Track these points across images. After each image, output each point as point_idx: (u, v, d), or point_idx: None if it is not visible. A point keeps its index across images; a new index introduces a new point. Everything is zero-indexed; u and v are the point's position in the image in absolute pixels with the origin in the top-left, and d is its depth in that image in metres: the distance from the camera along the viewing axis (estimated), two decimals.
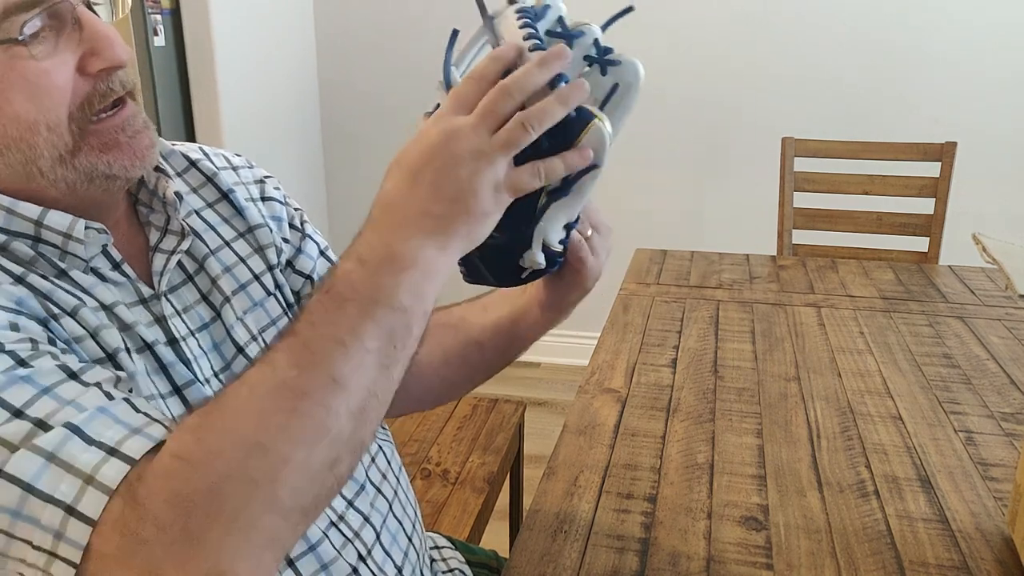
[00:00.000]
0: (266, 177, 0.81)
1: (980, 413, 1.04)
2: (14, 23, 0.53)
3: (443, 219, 0.53)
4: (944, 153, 1.94)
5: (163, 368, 0.61)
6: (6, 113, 0.55)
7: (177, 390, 0.61)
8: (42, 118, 0.55)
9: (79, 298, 0.57)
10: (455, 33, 0.61)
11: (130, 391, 0.54)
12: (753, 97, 2.55)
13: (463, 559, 0.95)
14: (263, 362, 0.50)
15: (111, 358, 0.57)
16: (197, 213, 0.71)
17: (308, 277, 0.80)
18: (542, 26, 0.61)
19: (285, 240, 0.78)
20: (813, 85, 2.51)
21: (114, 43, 0.57)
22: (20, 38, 0.53)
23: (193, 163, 0.74)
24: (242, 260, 0.72)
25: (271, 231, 0.76)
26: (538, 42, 0.58)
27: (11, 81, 0.54)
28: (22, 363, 0.49)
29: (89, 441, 0.46)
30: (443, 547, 0.94)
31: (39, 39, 0.55)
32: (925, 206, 1.95)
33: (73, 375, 0.50)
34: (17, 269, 0.56)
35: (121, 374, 0.54)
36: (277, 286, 0.75)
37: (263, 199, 0.79)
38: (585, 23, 0.63)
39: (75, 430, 0.47)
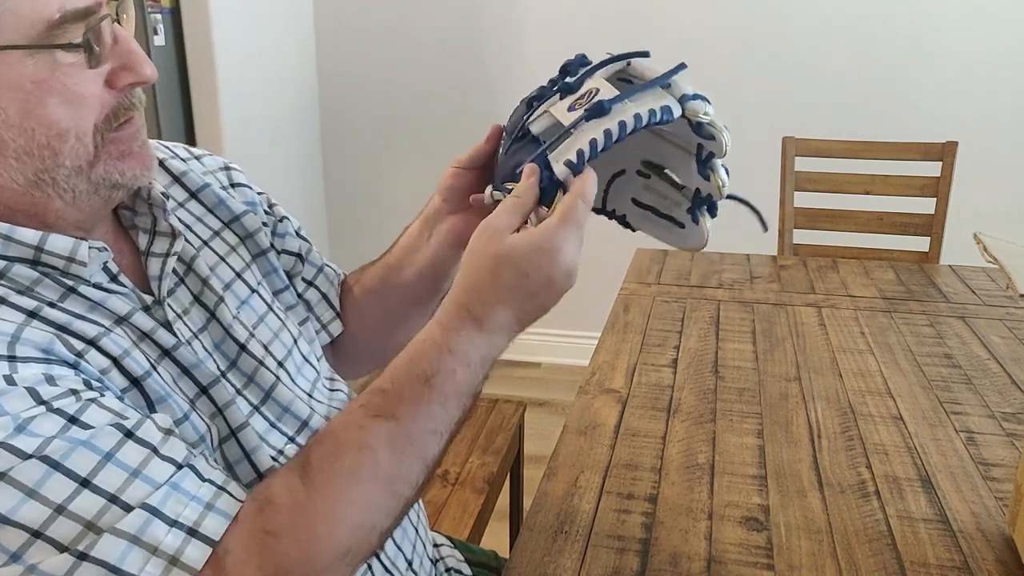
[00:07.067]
0: (228, 164, 0.80)
1: (981, 413, 1.04)
2: (68, 31, 0.54)
3: (535, 315, 0.61)
4: (945, 152, 1.93)
5: (186, 371, 0.61)
6: (39, 117, 0.54)
7: (204, 390, 0.62)
8: (73, 126, 0.56)
9: (98, 323, 0.57)
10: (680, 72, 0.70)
11: (191, 447, 0.56)
12: (753, 97, 2.55)
13: (463, 558, 0.95)
14: (362, 448, 0.55)
15: (136, 384, 0.57)
16: (173, 213, 0.70)
17: (297, 255, 0.81)
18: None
19: (264, 224, 0.78)
20: (813, 85, 2.50)
21: (144, 61, 0.59)
22: (79, 43, 0.54)
23: (160, 162, 0.73)
24: (222, 259, 0.72)
25: (255, 215, 0.76)
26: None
27: (51, 86, 0.54)
28: (73, 420, 0.49)
29: (169, 522, 0.49)
30: (443, 546, 0.94)
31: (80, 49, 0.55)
32: (926, 206, 1.95)
33: (128, 433, 0.51)
34: (29, 303, 0.54)
35: (164, 420, 0.54)
36: (259, 281, 0.75)
37: (233, 186, 0.79)
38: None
39: (154, 512, 0.49)
